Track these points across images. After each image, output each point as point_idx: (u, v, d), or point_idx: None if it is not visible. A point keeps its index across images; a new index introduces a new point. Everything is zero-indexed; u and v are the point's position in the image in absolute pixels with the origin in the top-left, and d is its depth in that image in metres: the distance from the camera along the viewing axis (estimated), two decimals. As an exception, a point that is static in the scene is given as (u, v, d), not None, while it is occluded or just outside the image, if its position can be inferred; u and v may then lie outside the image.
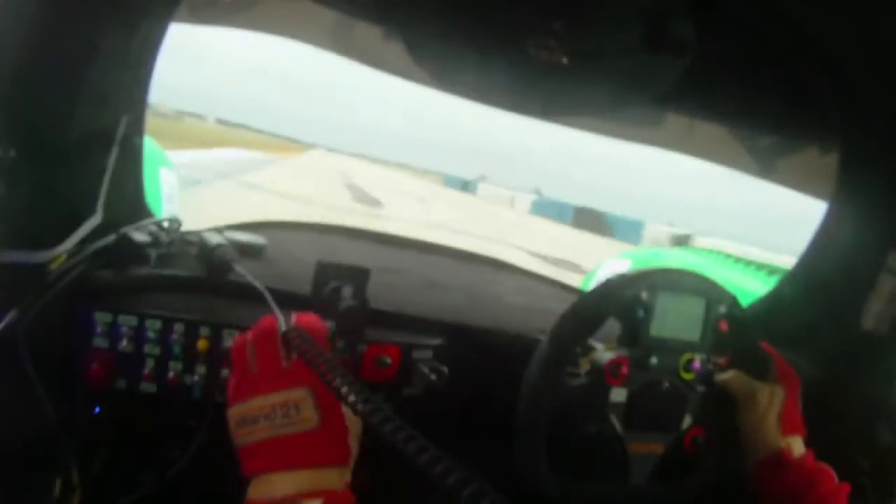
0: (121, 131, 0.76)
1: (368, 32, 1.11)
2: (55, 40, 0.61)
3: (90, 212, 0.72)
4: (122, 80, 0.74)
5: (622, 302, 0.69)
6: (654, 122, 1.25)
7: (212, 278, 0.78)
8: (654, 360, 0.70)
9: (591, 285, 0.77)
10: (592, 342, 0.76)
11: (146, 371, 0.71)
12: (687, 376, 0.73)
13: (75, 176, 0.71)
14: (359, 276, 0.76)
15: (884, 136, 0.84)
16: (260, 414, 0.50)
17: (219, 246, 0.79)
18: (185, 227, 0.90)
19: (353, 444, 0.53)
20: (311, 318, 0.55)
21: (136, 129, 0.81)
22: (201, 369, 0.72)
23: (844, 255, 0.93)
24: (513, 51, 0.91)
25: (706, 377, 0.74)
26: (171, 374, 0.72)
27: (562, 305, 0.71)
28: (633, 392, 0.71)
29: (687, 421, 0.74)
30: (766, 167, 1.25)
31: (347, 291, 0.74)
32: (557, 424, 0.68)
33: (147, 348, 0.71)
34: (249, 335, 0.54)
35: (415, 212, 15.21)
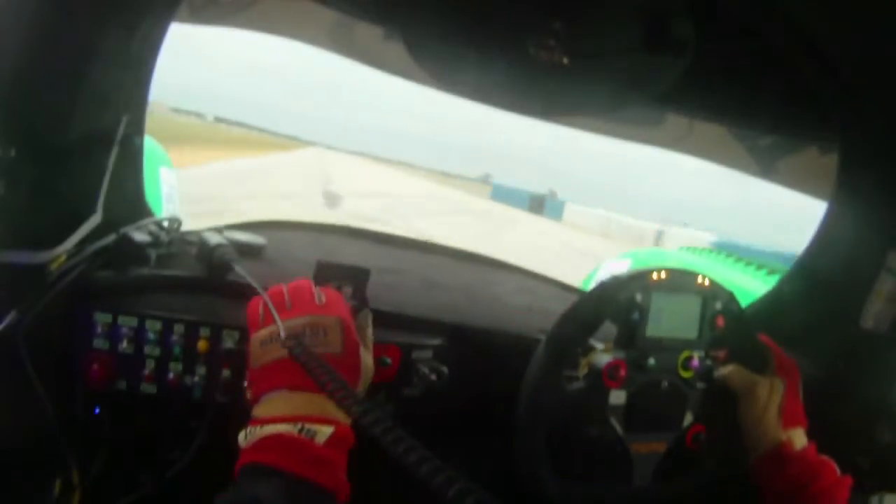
0: (121, 131, 0.76)
1: (368, 32, 1.11)
2: (55, 40, 0.61)
3: (90, 212, 0.72)
4: (122, 80, 0.74)
5: (616, 305, 0.69)
6: (654, 122, 1.25)
7: (212, 278, 0.78)
8: (651, 361, 0.70)
9: (590, 285, 0.77)
10: (593, 342, 0.76)
11: (146, 372, 0.71)
12: (686, 374, 0.73)
13: (75, 176, 0.71)
14: (359, 276, 0.76)
15: (884, 136, 0.84)
16: (289, 332, 0.53)
17: (219, 246, 0.79)
18: (184, 227, 0.90)
19: (363, 385, 0.57)
20: (335, 294, 0.61)
21: (136, 129, 0.81)
22: (201, 370, 0.72)
23: (844, 254, 0.93)
24: (513, 51, 0.91)
25: (705, 374, 0.74)
26: (171, 374, 0.72)
27: (562, 305, 0.70)
28: (632, 393, 0.71)
29: (688, 418, 0.74)
30: (766, 167, 1.25)
31: (347, 291, 0.74)
32: (558, 429, 0.68)
33: (147, 349, 0.71)
34: (286, 286, 0.59)
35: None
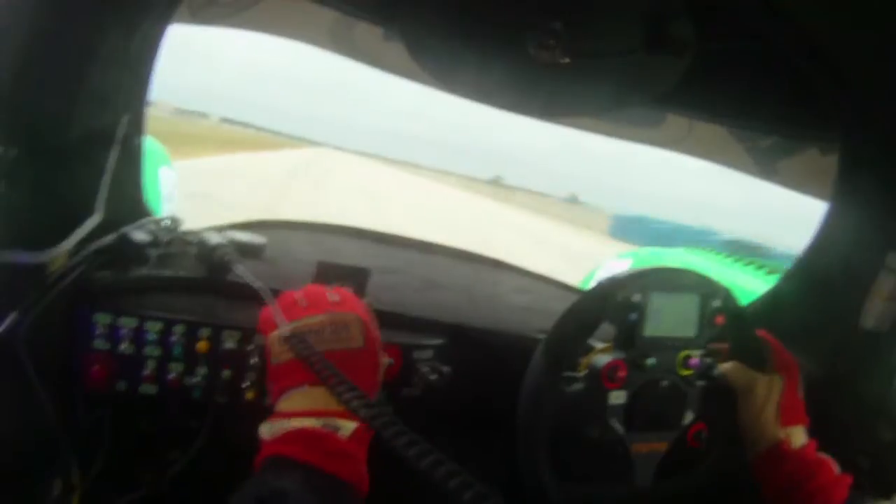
0: (121, 131, 0.76)
1: (368, 32, 1.11)
2: (55, 40, 0.61)
3: (90, 212, 0.72)
4: (122, 80, 0.74)
5: (614, 306, 0.69)
6: (654, 122, 1.25)
7: (212, 278, 0.78)
8: (650, 361, 0.70)
9: (590, 285, 0.77)
10: (592, 342, 0.76)
11: (146, 372, 0.71)
12: (685, 373, 0.73)
13: (75, 176, 0.71)
14: (359, 275, 0.76)
15: (884, 136, 0.84)
16: (308, 330, 0.55)
17: (219, 246, 0.79)
18: (184, 227, 0.90)
19: (379, 380, 0.59)
20: (353, 297, 0.62)
21: (136, 129, 0.81)
22: (202, 370, 0.72)
23: (844, 254, 0.93)
24: (513, 51, 0.91)
25: (705, 372, 0.74)
26: (171, 375, 0.72)
27: (562, 305, 0.70)
28: (632, 393, 0.71)
29: (688, 417, 0.74)
30: (766, 167, 1.25)
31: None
32: (558, 431, 0.68)
33: (147, 350, 0.71)
34: (299, 291, 0.61)
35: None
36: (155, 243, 0.80)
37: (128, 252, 0.76)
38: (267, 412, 0.54)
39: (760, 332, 0.77)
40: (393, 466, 0.46)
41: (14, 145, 0.60)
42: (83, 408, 0.74)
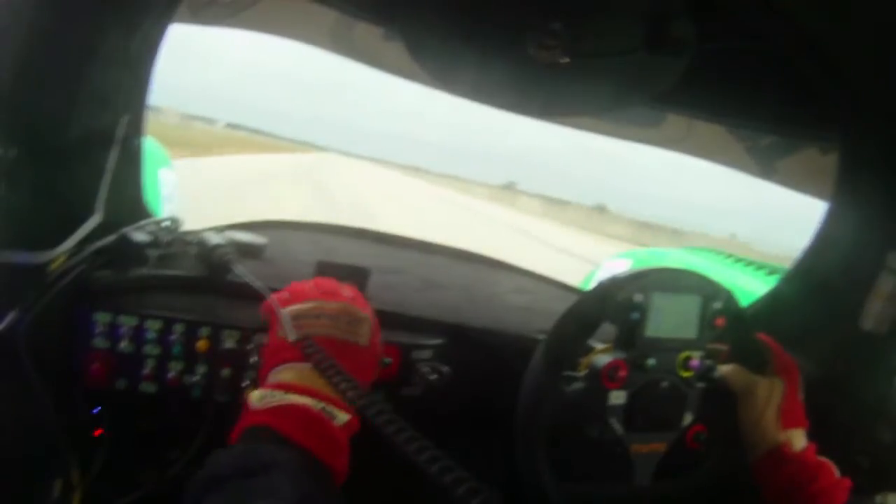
0: (121, 132, 0.76)
1: (368, 32, 1.11)
2: (55, 40, 0.61)
3: (90, 212, 0.72)
4: (122, 81, 0.74)
5: (616, 305, 0.69)
6: (654, 122, 1.25)
7: (212, 278, 0.78)
8: (651, 361, 0.70)
9: (590, 285, 0.77)
10: (593, 342, 0.76)
11: (146, 371, 0.71)
12: (686, 374, 0.73)
13: (75, 176, 0.71)
14: (359, 275, 0.76)
15: (884, 136, 0.84)
16: (325, 312, 0.55)
17: (219, 246, 0.79)
18: (185, 227, 0.90)
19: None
20: (360, 296, 0.62)
21: (136, 129, 0.81)
22: (201, 369, 0.72)
23: (844, 255, 0.93)
24: (513, 51, 0.91)
25: (705, 373, 0.74)
26: (171, 374, 0.72)
27: (562, 305, 0.70)
28: (632, 394, 0.71)
29: (688, 418, 0.74)
30: (766, 167, 1.25)
31: (347, 291, 0.74)
32: (558, 430, 0.68)
33: (147, 348, 0.71)
34: (309, 282, 0.61)
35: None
36: (155, 244, 0.80)
37: (128, 252, 0.76)
38: None
39: (761, 335, 0.77)
40: (378, 460, 0.46)
41: (14, 145, 0.60)
42: (83, 407, 0.74)
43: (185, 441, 0.79)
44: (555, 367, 0.67)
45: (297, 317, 0.55)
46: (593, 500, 0.72)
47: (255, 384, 0.72)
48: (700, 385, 0.74)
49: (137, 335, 0.70)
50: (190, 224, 0.93)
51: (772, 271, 2.68)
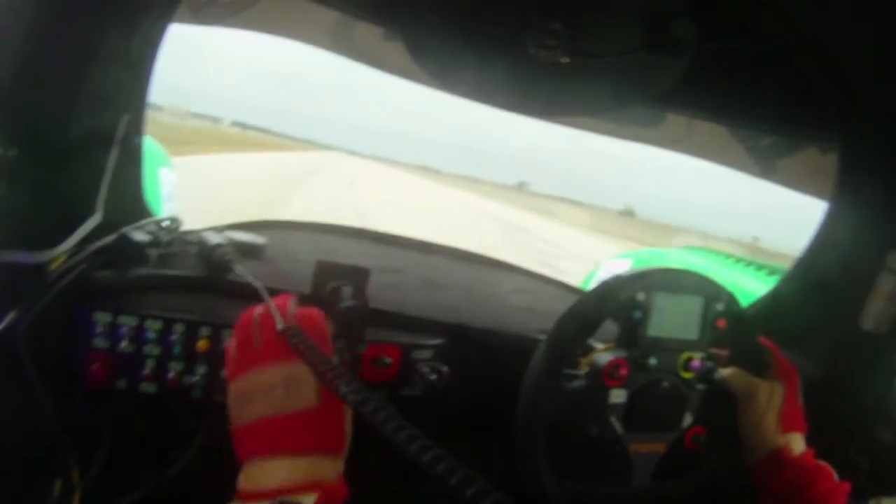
0: (121, 131, 0.76)
1: (368, 32, 1.11)
2: (55, 40, 0.61)
3: (90, 212, 0.72)
4: (122, 80, 0.74)
5: (618, 304, 0.69)
6: (654, 122, 1.25)
7: (212, 278, 0.78)
8: (652, 361, 0.70)
9: (591, 285, 0.77)
10: (593, 342, 0.76)
11: (146, 371, 0.71)
12: (686, 375, 0.73)
13: (75, 176, 0.71)
14: (359, 275, 0.76)
15: (884, 136, 0.84)
16: (258, 389, 0.49)
17: (219, 246, 0.79)
18: (185, 227, 0.90)
19: (348, 432, 0.51)
20: (313, 313, 0.55)
21: (136, 129, 0.81)
22: (201, 369, 0.72)
23: (844, 255, 0.93)
24: (513, 51, 0.91)
25: (706, 375, 0.74)
26: (171, 374, 0.72)
27: (562, 305, 0.70)
28: (632, 393, 0.71)
29: (687, 419, 0.74)
30: (766, 167, 1.25)
31: (347, 291, 0.74)
32: (558, 428, 0.68)
33: (147, 349, 0.71)
34: (258, 309, 0.53)
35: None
36: (155, 243, 0.80)
37: (128, 252, 0.76)
38: None
39: (761, 339, 0.78)
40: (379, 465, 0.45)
41: (14, 145, 0.60)
42: (83, 407, 0.74)
43: (185, 441, 0.79)
44: (556, 365, 0.67)
45: (238, 399, 0.50)
46: (592, 499, 0.72)
47: None
48: (701, 387, 0.74)
49: (137, 335, 0.70)
50: (190, 224, 0.93)
51: (772, 272, 2.68)
